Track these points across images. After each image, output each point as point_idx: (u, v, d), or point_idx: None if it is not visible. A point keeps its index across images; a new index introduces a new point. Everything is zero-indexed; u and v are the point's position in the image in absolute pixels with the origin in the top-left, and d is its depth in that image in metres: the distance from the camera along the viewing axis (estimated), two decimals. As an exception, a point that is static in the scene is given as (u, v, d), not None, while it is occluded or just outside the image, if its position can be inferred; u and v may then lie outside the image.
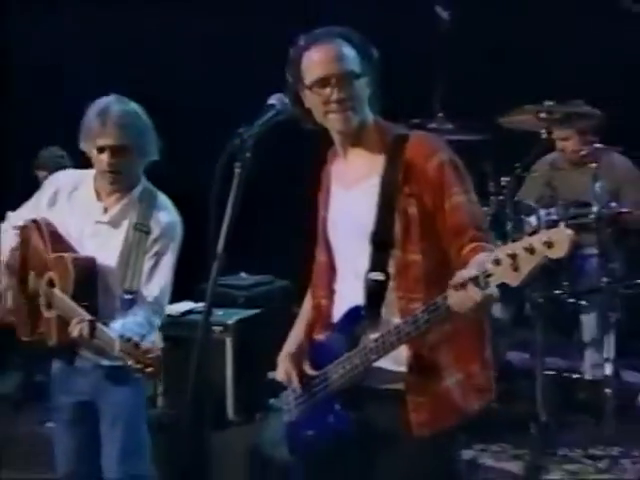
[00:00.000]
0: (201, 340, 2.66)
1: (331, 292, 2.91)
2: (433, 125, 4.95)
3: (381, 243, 2.76)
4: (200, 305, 5.00)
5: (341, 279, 2.90)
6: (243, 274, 5.64)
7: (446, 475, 2.83)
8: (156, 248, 3.53)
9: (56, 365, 3.70)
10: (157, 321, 3.51)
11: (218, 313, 5.03)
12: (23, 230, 3.64)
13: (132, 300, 3.47)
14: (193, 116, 6.15)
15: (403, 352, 2.71)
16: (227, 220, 2.59)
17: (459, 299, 2.48)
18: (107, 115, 3.48)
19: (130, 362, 3.18)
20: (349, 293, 2.83)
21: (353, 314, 2.80)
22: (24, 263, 3.63)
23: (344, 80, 2.74)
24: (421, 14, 5.03)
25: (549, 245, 2.36)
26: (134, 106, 3.56)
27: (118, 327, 3.30)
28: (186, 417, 2.66)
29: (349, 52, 2.76)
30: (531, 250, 2.38)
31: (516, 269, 2.40)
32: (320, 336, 2.90)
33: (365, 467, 2.83)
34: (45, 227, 3.58)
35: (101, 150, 3.49)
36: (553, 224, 4.53)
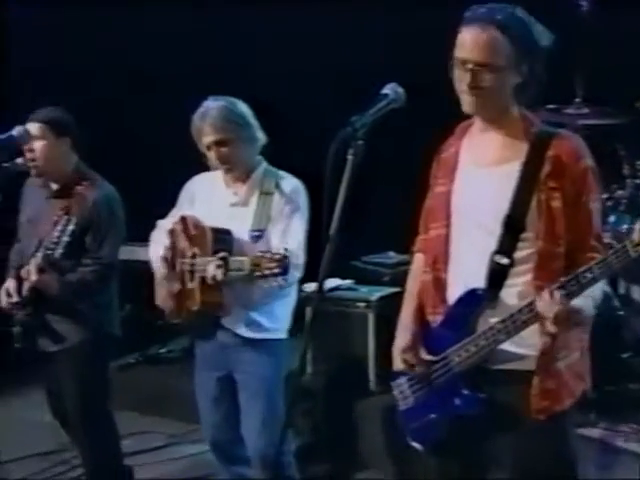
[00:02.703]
0: (313, 314, 2.89)
1: (448, 267, 2.89)
2: (570, 110, 4.91)
3: (513, 228, 2.75)
4: (346, 282, 5.18)
5: (459, 256, 2.87)
6: (391, 253, 5.68)
7: (564, 454, 2.87)
8: (285, 211, 3.76)
9: (198, 342, 3.95)
10: (296, 274, 3.69)
11: (362, 290, 5.18)
12: (172, 231, 3.92)
13: (258, 237, 3.72)
14: (312, 104, 6.01)
15: (524, 332, 2.72)
16: (340, 205, 2.64)
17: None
18: (205, 115, 3.77)
19: (259, 273, 3.42)
20: (467, 272, 2.82)
21: (471, 297, 2.79)
22: (174, 255, 3.90)
23: (483, 68, 2.72)
24: (562, 3, 5.08)
25: None
26: (230, 100, 3.82)
27: None
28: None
29: (500, 43, 2.70)
30: None
31: None
32: (435, 319, 2.90)
33: (488, 447, 2.90)
34: (189, 219, 3.86)
35: (209, 148, 3.79)
36: None
